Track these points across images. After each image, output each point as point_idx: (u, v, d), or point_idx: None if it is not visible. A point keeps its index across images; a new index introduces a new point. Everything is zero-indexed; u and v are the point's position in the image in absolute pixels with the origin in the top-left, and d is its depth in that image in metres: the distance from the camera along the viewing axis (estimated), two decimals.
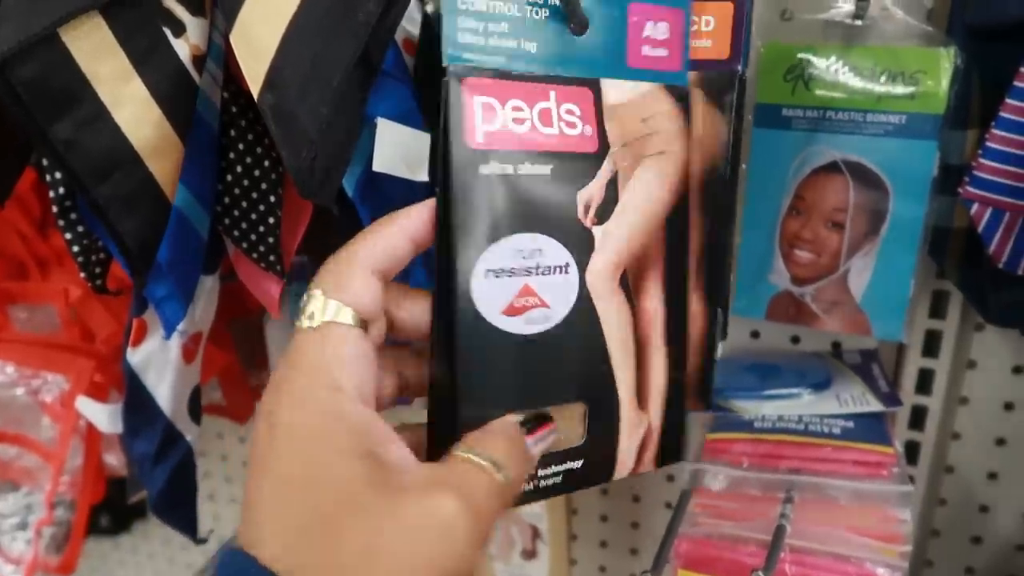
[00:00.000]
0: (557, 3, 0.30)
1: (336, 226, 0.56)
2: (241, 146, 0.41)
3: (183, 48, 0.33)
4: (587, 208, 0.31)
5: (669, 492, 0.70)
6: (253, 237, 0.43)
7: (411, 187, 0.42)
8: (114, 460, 0.61)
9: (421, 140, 0.42)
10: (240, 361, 0.68)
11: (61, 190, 0.39)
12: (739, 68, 0.41)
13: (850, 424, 0.50)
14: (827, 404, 0.52)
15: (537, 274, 0.30)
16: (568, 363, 0.31)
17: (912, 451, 0.59)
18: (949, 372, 0.56)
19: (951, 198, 0.48)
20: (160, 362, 0.47)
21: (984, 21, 0.44)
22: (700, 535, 0.44)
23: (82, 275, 0.42)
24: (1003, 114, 0.42)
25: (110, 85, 0.32)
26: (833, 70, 0.48)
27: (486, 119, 0.29)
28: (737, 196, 0.52)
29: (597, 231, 0.31)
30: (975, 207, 0.44)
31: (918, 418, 0.58)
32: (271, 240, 0.43)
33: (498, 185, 0.29)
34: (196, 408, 0.50)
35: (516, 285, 0.29)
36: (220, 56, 0.38)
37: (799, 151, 0.50)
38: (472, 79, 0.29)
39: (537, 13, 0.29)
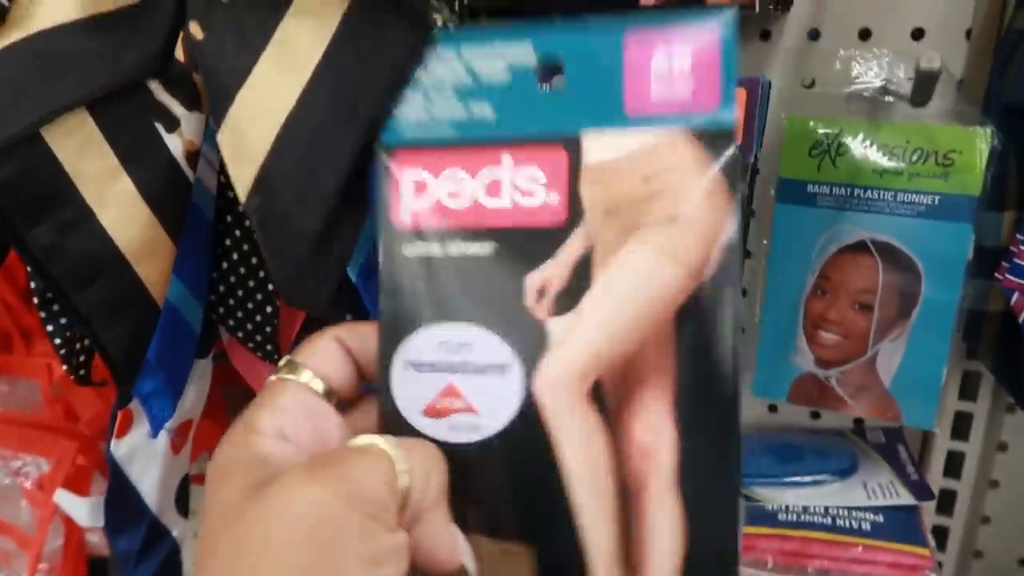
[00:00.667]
0: (520, 61, 0.26)
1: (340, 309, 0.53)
2: (238, 232, 0.38)
3: (176, 143, 0.31)
4: (541, 294, 0.25)
5: None
6: (249, 327, 0.40)
7: None
8: (96, 539, 0.58)
9: None
10: None
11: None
12: (750, 159, 0.38)
13: (880, 519, 0.47)
14: (854, 493, 0.49)
15: (465, 372, 0.25)
16: (506, 492, 0.25)
17: (940, 536, 0.56)
18: (980, 455, 0.54)
19: (986, 281, 0.45)
20: (146, 455, 0.43)
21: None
22: None
23: (64, 367, 0.39)
24: None
25: (95, 184, 0.29)
26: (862, 147, 0.46)
27: (415, 195, 0.26)
28: (759, 272, 0.50)
29: (555, 324, 0.25)
30: (1016, 296, 0.42)
31: (947, 502, 0.55)
32: (268, 330, 0.40)
33: (423, 268, 0.26)
34: (184, 500, 0.47)
35: (438, 382, 0.26)
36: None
37: (825, 229, 0.48)
38: (402, 152, 0.26)
39: (491, 72, 0.26)
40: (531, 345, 0.25)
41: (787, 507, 0.49)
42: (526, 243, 0.25)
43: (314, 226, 0.28)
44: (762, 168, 0.46)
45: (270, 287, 0.39)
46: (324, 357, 0.26)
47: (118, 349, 0.33)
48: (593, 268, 0.25)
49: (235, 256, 0.38)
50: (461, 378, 0.25)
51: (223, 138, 0.28)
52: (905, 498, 0.48)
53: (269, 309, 0.39)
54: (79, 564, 0.56)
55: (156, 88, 0.30)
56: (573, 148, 0.26)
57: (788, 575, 0.44)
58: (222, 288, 0.39)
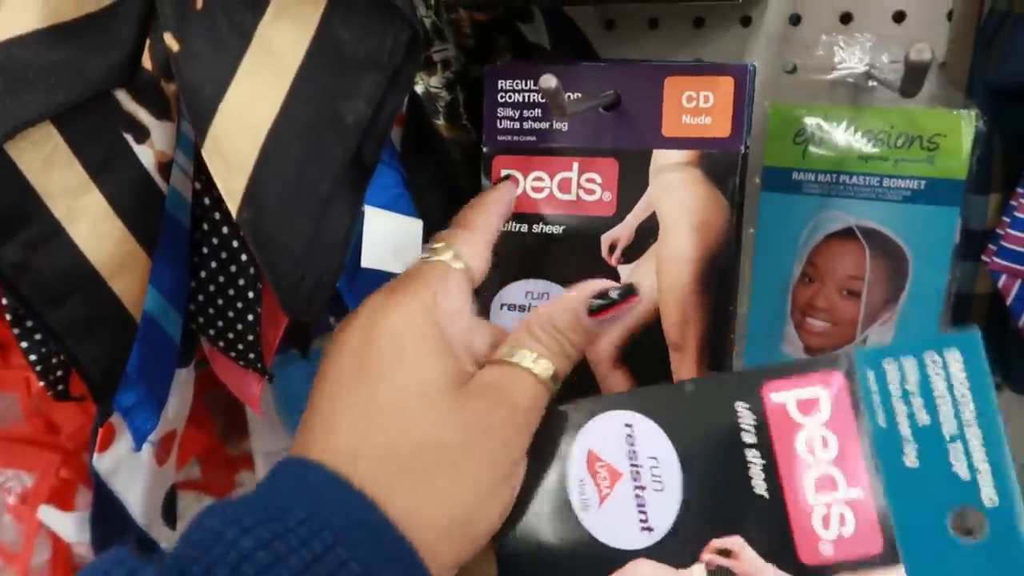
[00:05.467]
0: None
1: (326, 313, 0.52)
2: (215, 240, 0.37)
3: (147, 154, 0.30)
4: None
5: None
6: (231, 336, 0.39)
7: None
8: (84, 551, 0.57)
9: (412, 227, 0.39)
10: (219, 433, 0.64)
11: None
12: (741, 148, 0.38)
13: None
14: None
15: None
16: None
17: None
18: None
19: (973, 264, 0.45)
20: (130, 467, 0.43)
21: (1010, 81, 0.41)
22: None
23: (40, 384, 0.38)
24: None
25: (64, 199, 0.28)
26: (845, 133, 0.45)
27: None
28: (745, 262, 0.49)
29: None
30: (1003, 278, 0.42)
31: None
32: (251, 338, 0.39)
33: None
34: (171, 510, 0.46)
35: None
36: (190, 147, 0.34)
37: (811, 216, 0.47)
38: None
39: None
40: None
41: None
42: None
43: (307, 231, 0.28)
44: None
45: (250, 295, 0.38)
46: (477, 252, 0.32)
47: (96, 367, 0.32)
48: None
49: (213, 264, 0.37)
50: None
51: (208, 153, 0.27)
52: None
53: (250, 317, 0.38)
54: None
55: (123, 98, 0.29)
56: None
57: None
58: (201, 298, 0.38)
